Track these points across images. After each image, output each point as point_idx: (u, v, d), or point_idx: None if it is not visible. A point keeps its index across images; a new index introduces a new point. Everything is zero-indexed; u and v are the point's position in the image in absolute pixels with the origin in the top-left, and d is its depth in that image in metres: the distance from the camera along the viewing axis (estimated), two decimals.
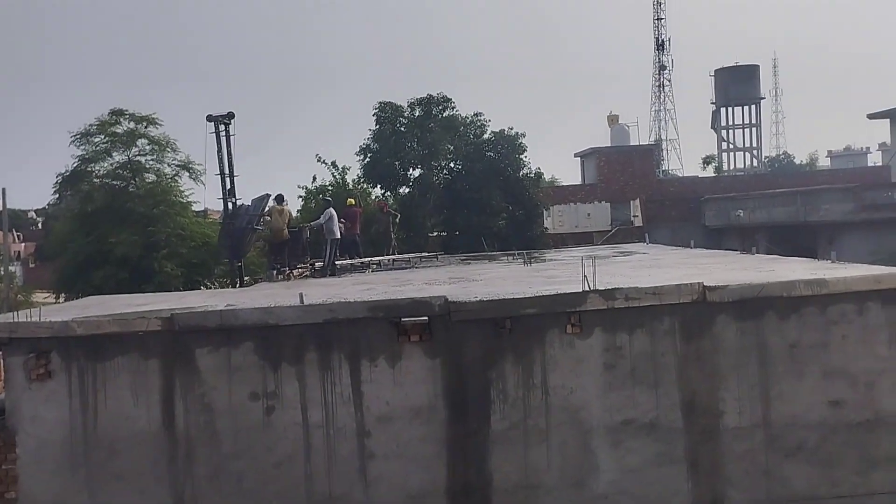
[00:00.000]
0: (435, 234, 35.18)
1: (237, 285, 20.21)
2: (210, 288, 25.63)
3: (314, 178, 33.85)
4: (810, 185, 40.99)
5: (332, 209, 20.91)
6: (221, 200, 20.08)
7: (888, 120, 43.68)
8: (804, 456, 10.19)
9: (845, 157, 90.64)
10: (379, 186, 34.63)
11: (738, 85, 74.80)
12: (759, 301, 10.20)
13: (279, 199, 20.19)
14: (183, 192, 28.35)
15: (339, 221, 21.60)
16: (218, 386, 10.29)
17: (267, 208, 19.89)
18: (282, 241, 20.04)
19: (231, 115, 19.79)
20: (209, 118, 19.58)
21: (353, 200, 25.61)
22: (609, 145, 48.40)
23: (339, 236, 20.61)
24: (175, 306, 11.72)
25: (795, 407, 10.20)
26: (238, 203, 20.05)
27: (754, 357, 10.22)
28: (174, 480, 10.27)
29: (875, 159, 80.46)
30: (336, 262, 20.16)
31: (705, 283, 10.28)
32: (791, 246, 27.63)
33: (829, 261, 13.91)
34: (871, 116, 44.75)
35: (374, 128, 34.23)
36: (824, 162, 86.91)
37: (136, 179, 27.94)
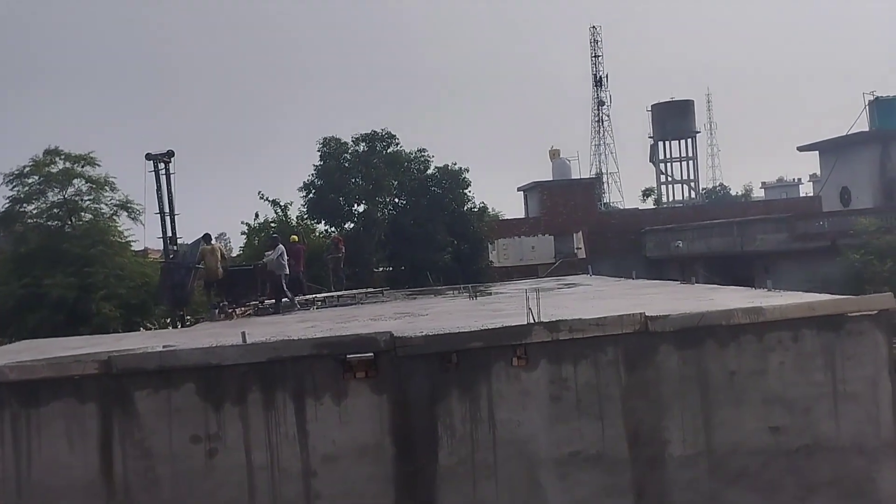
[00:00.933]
0: (380, 269, 35.09)
1: (178, 325, 19.82)
2: (150, 329, 25.03)
3: (256, 215, 33.56)
4: (746, 215, 42.13)
5: (282, 245, 20.73)
6: (161, 240, 19.74)
7: (817, 152, 45.29)
8: (746, 482, 10.35)
9: (778, 188, 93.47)
10: (323, 222, 34.49)
11: (673, 119, 76.82)
12: (700, 330, 10.41)
13: (207, 238, 19.92)
14: (121, 231, 27.76)
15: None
16: (158, 430, 10.02)
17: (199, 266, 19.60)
18: (217, 279, 19.72)
19: (171, 154, 19.55)
20: (148, 157, 19.30)
21: (296, 237, 25.41)
22: (551, 179, 49.09)
23: (288, 272, 20.42)
24: (112, 349, 11.43)
25: (737, 434, 10.38)
26: (179, 243, 19.72)
27: (696, 385, 10.39)
28: None
29: (806, 190, 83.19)
30: (286, 299, 19.93)
31: (647, 314, 10.45)
32: (729, 275, 28.29)
33: (765, 289, 14.29)
34: (801, 149, 46.34)
35: (317, 163, 34.17)
36: (759, 193, 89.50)
37: (73, 219, 27.26)
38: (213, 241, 20.16)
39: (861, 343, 10.46)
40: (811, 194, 63.19)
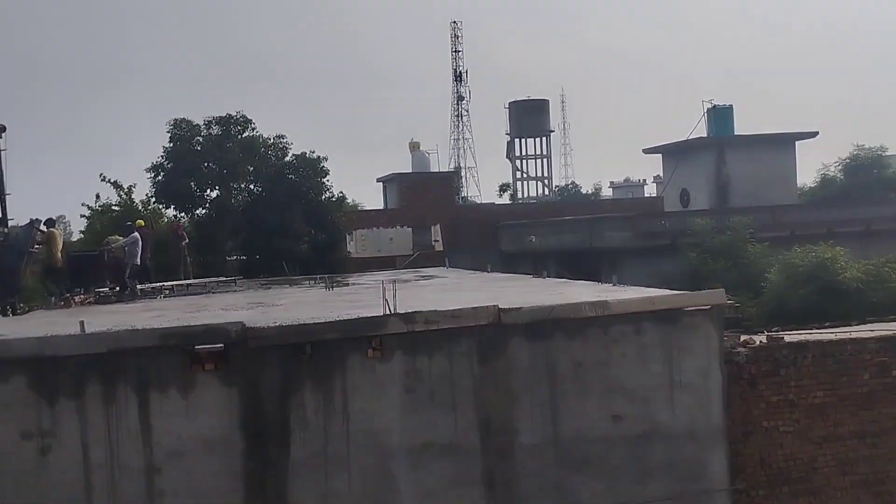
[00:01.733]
0: (234, 257, 34.04)
1: (9, 314, 18.44)
2: None
3: (97, 197, 31.68)
4: (595, 213, 43.97)
5: (137, 234, 19.73)
6: None
7: (661, 155, 47.89)
8: (590, 469, 10.80)
9: (625, 188, 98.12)
10: (173, 207, 33.02)
11: (530, 117, 79.03)
12: (549, 323, 10.74)
13: (50, 222, 18.72)
14: None
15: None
16: None
17: (38, 235, 18.35)
18: (58, 266, 18.57)
19: (2, 128, 18.17)
20: None
21: (143, 222, 24.24)
22: (410, 171, 49.33)
23: (139, 262, 19.47)
24: None
25: (582, 423, 10.80)
26: (11, 226, 18.40)
27: (545, 376, 10.73)
28: None
29: (651, 190, 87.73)
30: (135, 287, 18.98)
31: (500, 306, 10.68)
32: (578, 270, 29.41)
33: (611, 284, 14.95)
34: (647, 151, 48.87)
35: (167, 145, 32.67)
36: (607, 192, 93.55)
37: None
38: (55, 227, 18.98)
39: (695, 336, 11.13)
40: (655, 195, 66.82)
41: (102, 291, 19.53)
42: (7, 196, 18.28)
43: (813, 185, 47.86)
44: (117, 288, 19.19)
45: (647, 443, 10.97)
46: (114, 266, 20.81)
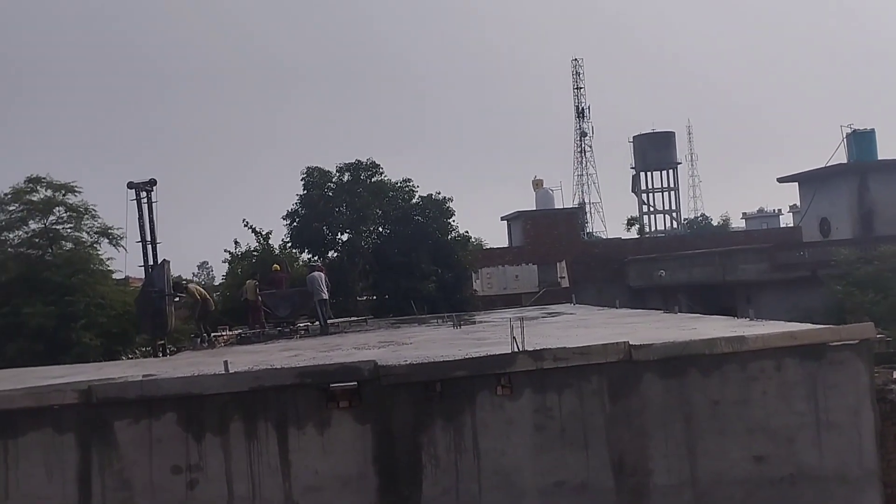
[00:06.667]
0: (364, 298, 34.96)
1: (159, 354, 19.63)
2: (131, 358, 24.76)
3: (237, 243, 33.35)
4: (727, 245, 42.42)
5: (315, 273, 21.76)
6: (143, 268, 19.64)
7: (797, 183, 45.81)
8: None
9: (759, 218, 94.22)
10: (307, 251, 34.37)
11: (655, 150, 77.52)
12: (683, 359, 10.43)
13: (178, 287, 20.71)
14: (103, 259, 27.55)
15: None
16: (138, 460, 9.89)
17: (178, 295, 20.08)
18: (212, 308, 20.24)
19: (153, 182, 19.51)
20: (130, 185, 19.25)
21: (278, 266, 25.36)
22: (534, 209, 49.31)
23: (325, 297, 21.54)
24: (93, 378, 11.30)
25: (721, 463, 10.37)
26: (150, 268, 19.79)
27: (680, 414, 10.40)
28: None
29: (786, 221, 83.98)
30: (328, 322, 21.20)
31: (631, 342, 10.47)
32: (711, 304, 28.44)
33: (747, 318, 14.37)
34: (781, 180, 46.84)
35: (301, 193, 34.15)
36: (738, 223, 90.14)
37: (53, 248, 27.02)
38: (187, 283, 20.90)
39: (843, 372, 10.52)
40: (791, 225, 63.89)
41: (247, 332, 20.84)
42: (158, 245, 19.51)
43: None
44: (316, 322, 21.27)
45: (793, 486, 10.40)
46: (253, 310, 22.13)
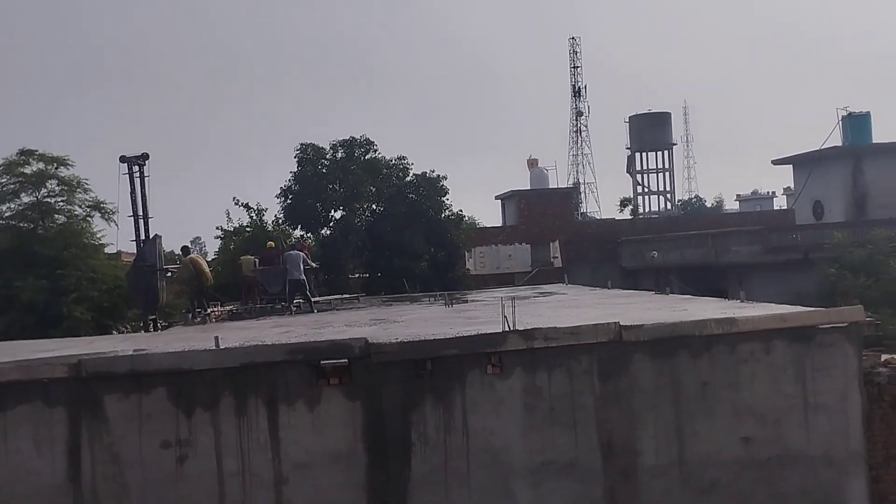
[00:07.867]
0: (356, 275, 34.95)
1: (150, 329, 19.62)
2: (122, 332, 24.74)
3: (228, 217, 33.16)
4: (720, 227, 42.47)
5: (294, 252, 21.13)
6: (135, 243, 19.59)
7: (791, 166, 45.79)
8: (718, 493, 10.40)
9: (753, 200, 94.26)
10: (300, 227, 34.29)
11: (651, 131, 77.52)
12: (673, 340, 10.46)
13: (185, 250, 20.31)
14: (95, 233, 27.43)
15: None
16: (128, 435, 9.91)
17: (178, 262, 19.88)
18: (209, 283, 20.12)
19: (145, 157, 19.43)
20: (122, 159, 19.16)
21: (272, 243, 25.31)
22: (529, 188, 49.24)
23: (299, 277, 20.79)
24: (83, 352, 11.28)
25: (709, 445, 10.44)
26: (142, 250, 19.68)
27: (669, 396, 10.44)
28: None
29: (780, 203, 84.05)
30: (312, 299, 20.72)
31: (622, 323, 10.49)
32: (703, 286, 28.45)
33: (738, 300, 14.41)
34: (776, 162, 46.81)
35: (295, 169, 34.00)
36: (732, 205, 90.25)
37: (45, 221, 26.89)
38: (191, 254, 20.54)
39: (831, 355, 10.57)
40: (785, 207, 63.94)
41: (239, 308, 20.79)
42: (150, 219, 19.46)
43: None
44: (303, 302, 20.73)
45: (780, 467, 10.48)
46: (249, 286, 22.12)
